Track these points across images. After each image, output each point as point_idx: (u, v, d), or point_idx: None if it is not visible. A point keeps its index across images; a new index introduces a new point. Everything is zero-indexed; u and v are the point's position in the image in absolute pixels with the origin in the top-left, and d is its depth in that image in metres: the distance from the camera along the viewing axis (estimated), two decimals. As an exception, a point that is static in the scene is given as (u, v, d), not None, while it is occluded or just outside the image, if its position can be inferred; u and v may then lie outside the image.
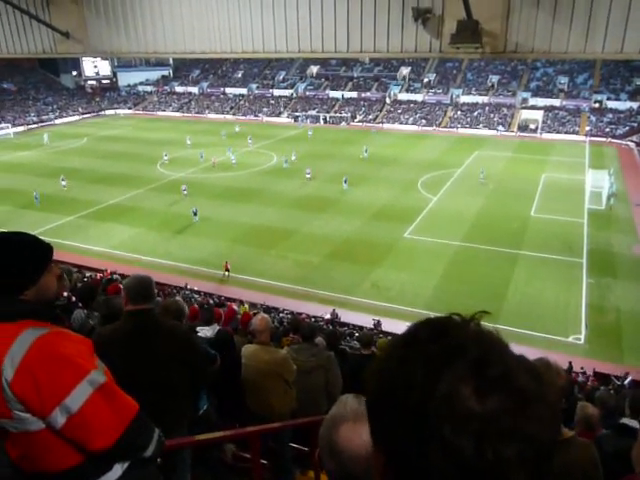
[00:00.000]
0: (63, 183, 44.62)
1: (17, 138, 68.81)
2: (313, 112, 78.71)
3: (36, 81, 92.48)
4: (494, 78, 78.41)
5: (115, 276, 22.65)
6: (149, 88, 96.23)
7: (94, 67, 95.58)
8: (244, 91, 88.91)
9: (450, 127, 70.62)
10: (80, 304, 6.32)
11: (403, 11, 10.18)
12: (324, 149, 58.02)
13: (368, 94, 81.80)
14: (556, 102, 70.91)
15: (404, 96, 79.71)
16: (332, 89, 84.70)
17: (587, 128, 65.24)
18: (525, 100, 72.68)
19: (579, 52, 9.41)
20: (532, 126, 67.47)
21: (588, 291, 27.05)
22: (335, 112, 78.67)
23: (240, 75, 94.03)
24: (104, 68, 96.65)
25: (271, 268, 29.91)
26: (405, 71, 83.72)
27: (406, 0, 10.09)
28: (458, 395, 0.73)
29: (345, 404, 1.68)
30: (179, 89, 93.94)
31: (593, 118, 66.97)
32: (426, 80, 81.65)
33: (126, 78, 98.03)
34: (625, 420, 5.00)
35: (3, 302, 2.26)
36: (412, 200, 40.90)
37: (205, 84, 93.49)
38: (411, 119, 73.98)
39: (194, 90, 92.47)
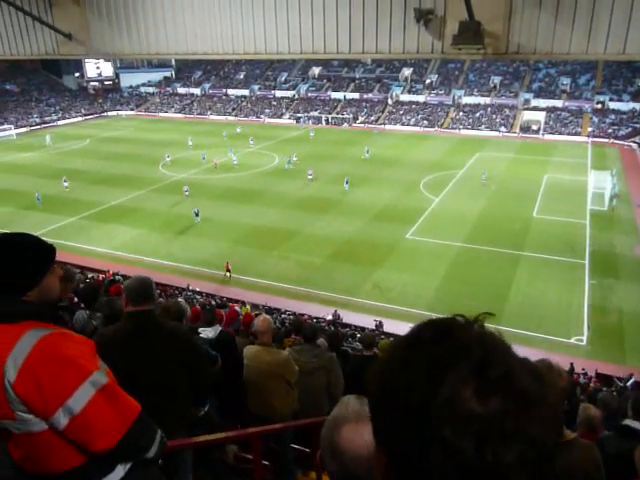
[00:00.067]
0: (65, 184, 44.67)
1: (20, 139, 68.96)
2: (315, 113, 78.73)
3: (39, 82, 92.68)
4: (496, 79, 78.37)
5: (117, 277, 22.67)
6: (151, 89, 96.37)
7: (96, 68, 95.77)
8: (246, 92, 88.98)
9: (452, 128, 70.59)
10: (82, 305, 6.32)
11: (405, 12, 10.18)
12: (326, 150, 58.03)
13: (370, 95, 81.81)
14: (558, 103, 70.85)
15: (406, 97, 79.71)
16: (334, 90, 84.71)
17: (589, 129, 65.17)
18: (527, 101, 72.62)
19: (581, 53, 9.41)
20: (534, 127, 67.40)
21: (590, 292, 27.01)
22: (337, 113, 78.68)
23: (242, 76, 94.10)
24: (106, 69, 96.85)
25: (273, 269, 29.91)
26: (407, 72, 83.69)
27: (408, 1, 10.10)
28: (460, 396, 0.73)
29: (347, 405, 1.68)
30: (181, 90, 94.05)
31: (595, 119, 66.89)
32: (428, 81, 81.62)
33: (128, 79, 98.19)
34: (627, 421, 4.98)
35: (6, 303, 2.27)
36: (414, 201, 40.88)
37: (207, 85, 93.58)
38: (413, 120, 73.97)
39: (196, 91, 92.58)
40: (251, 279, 28.93)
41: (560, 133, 65.43)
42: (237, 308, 17.40)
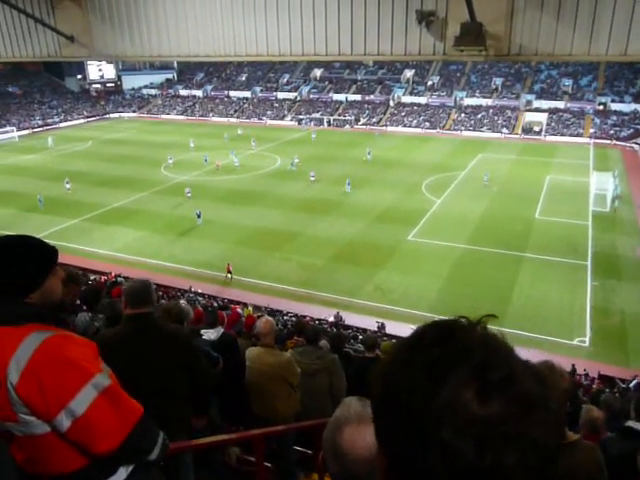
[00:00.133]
0: (67, 186, 44.72)
1: (22, 141, 69.09)
2: (317, 115, 78.76)
3: (41, 85, 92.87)
4: (498, 81, 78.34)
5: (119, 279, 22.69)
6: (153, 91, 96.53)
7: (99, 71, 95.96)
8: (248, 94, 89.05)
9: (454, 130, 70.56)
10: (84, 307, 6.33)
11: (407, 14, 10.19)
12: (328, 152, 58.04)
13: (372, 97, 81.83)
14: (560, 104, 70.79)
15: (408, 99, 79.72)
16: (336, 92, 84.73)
17: (591, 130, 65.10)
18: (529, 102, 72.57)
19: (583, 54, 9.41)
20: (536, 128, 67.35)
21: (593, 293, 26.96)
22: (339, 115, 78.69)
23: (244, 78, 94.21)
24: (109, 72, 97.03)
25: (275, 271, 29.92)
26: (409, 74, 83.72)
27: (410, 3, 10.11)
28: (460, 398, 0.73)
29: (349, 406, 1.69)
30: (183, 92, 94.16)
31: (597, 120, 66.82)
32: (430, 83, 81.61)
33: (131, 81, 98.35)
34: (630, 423, 4.97)
35: (8, 305, 2.27)
36: (416, 202, 40.87)
37: (209, 87, 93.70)
38: (415, 122, 73.97)
39: (198, 93, 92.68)
40: (253, 281, 28.93)
41: (562, 134, 65.37)
42: (239, 310, 17.40)
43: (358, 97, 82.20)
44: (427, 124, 72.80)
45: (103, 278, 23.40)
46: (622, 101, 68.69)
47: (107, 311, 5.76)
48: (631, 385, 18.05)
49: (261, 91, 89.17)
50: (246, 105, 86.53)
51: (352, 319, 24.58)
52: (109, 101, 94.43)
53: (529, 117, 69.66)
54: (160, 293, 20.83)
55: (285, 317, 23.09)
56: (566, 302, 26.20)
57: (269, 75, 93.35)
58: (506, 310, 24.56)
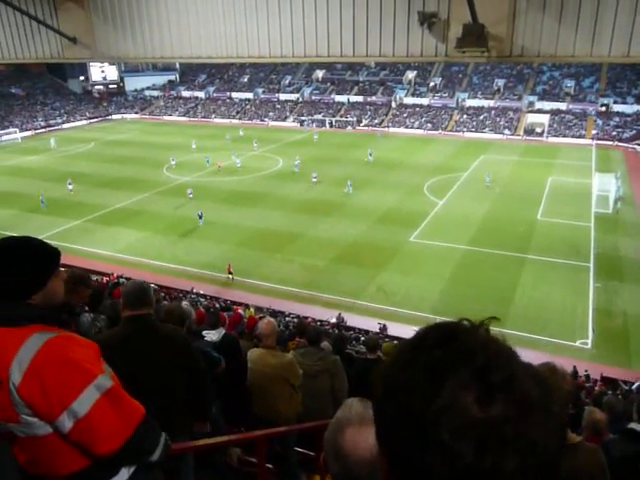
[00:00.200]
0: (70, 187, 44.76)
1: (25, 142, 69.20)
2: (319, 116, 78.79)
3: (44, 86, 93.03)
4: (500, 82, 78.29)
5: (121, 280, 22.72)
6: (156, 93, 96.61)
7: (101, 72, 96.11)
8: (250, 95, 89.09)
9: (456, 131, 70.52)
10: (86, 308, 6.33)
11: (409, 15, 10.20)
12: (330, 153, 58.07)
13: (374, 98, 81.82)
14: (562, 106, 70.73)
15: (410, 100, 79.71)
16: (338, 93, 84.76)
17: (594, 132, 65.03)
18: (531, 104, 72.52)
19: (585, 56, 9.40)
20: (538, 130, 67.31)
21: (595, 295, 26.92)
22: (341, 116, 78.73)
23: (246, 80, 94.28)
24: (111, 73, 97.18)
25: (277, 272, 29.92)
26: (411, 75, 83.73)
27: (412, 4, 10.11)
28: (460, 400, 0.73)
29: (350, 408, 1.69)
30: (185, 94, 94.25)
31: (600, 122, 66.75)
32: (432, 84, 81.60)
33: (133, 83, 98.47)
34: (633, 425, 4.97)
35: (11, 306, 2.28)
36: (418, 204, 40.85)
37: (211, 89, 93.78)
38: (417, 123, 73.95)
39: (200, 95, 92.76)
40: (255, 282, 28.95)
41: (564, 136, 65.31)
42: (240, 311, 17.41)
43: (360, 98, 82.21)
44: (429, 125, 72.79)
45: (105, 279, 23.42)
46: (624, 102, 68.61)
47: (109, 312, 5.77)
48: (634, 387, 18.00)
49: (263, 92, 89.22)
50: (248, 106, 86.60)
51: (354, 320, 24.57)
52: (111, 102, 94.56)
53: (531, 118, 69.63)
54: (162, 294, 20.84)
55: (287, 318, 23.09)
56: (568, 304, 26.16)
57: (271, 77, 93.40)
58: (508, 311, 24.54)
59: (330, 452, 1.62)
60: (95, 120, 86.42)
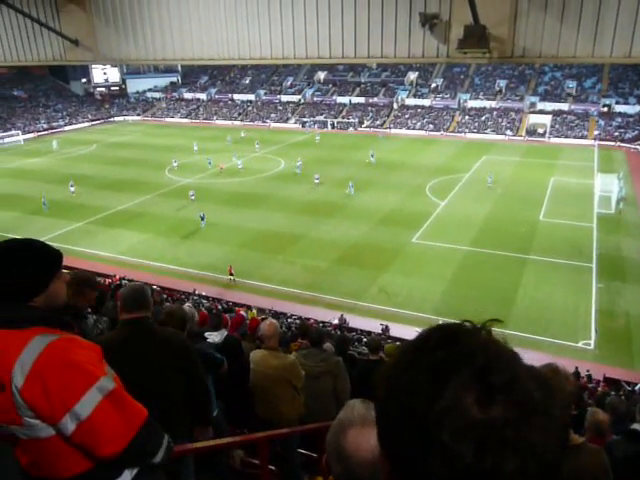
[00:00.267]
0: (72, 189, 44.84)
1: (27, 145, 69.34)
2: (321, 117, 78.84)
3: (46, 88, 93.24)
4: (502, 83, 78.29)
5: (124, 282, 22.74)
6: (158, 95, 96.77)
7: (103, 74, 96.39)
8: (252, 97, 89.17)
9: (458, 132, 70.52)
10: (89, 309, 6.34)
11: (410, 16, 10.20)
12: (332, 154, 58.08)
13: (375, 99, 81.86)
14: (564, 106, 70.68)
15: (412, 101, 79.72)
16: (339, 94, 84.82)
17: (596, 132, 64.95)
18: (533, 104, 72.49)
19: (587, 56, 9.39)
20: (540, 130, 67.27)
21: (598, 296, 26.88)
22: (343, 117, 78.76)
23: (248, 81, 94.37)
24: (113, 75, 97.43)
25: (279, 273, 29.93)
26: (412, 76, 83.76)
27: (413, 6, 10.11)
28: (460, 402, 0.73)
29: (352, 409, 1.69)
30: (187, 95, 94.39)
31: (602, 122, 66.69)
32: (434, 85, 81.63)
33: (135, 85, 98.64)
34: (636, 426, 4.96)
35: (13, 309, 2.28)
36: (420, 205, 40.84)
37: (213, 90, 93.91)
38: (419, 124, 73.94)
39: (202, 96, 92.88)
40: (257, 283, 28.95)
41: (566, 136, 65.28)
42: (243, 312, 17.42)
43: (362, 100, 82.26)
44: (431, 126, 72.78)
45: (107, 281, 23.43)
46: (626, 103, 68.55)
47: (111, 314, 5.78)
48: (637, 388, 17.97)
49: (265, 94, 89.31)
50: (250, 108, 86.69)
51: (356, 322, 24.57)
52: (113, 104, 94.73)
53: (533, 119, 69.60)
54: (164, 296, 20.85)
55: (289, 320, 23.10)
56: (571, 304, 26.12)
57: (273, 78, 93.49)
58: (510, 312, 24.51)
59: (332, 453, 1.62)
60: (97, 122, 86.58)
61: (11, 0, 13.27)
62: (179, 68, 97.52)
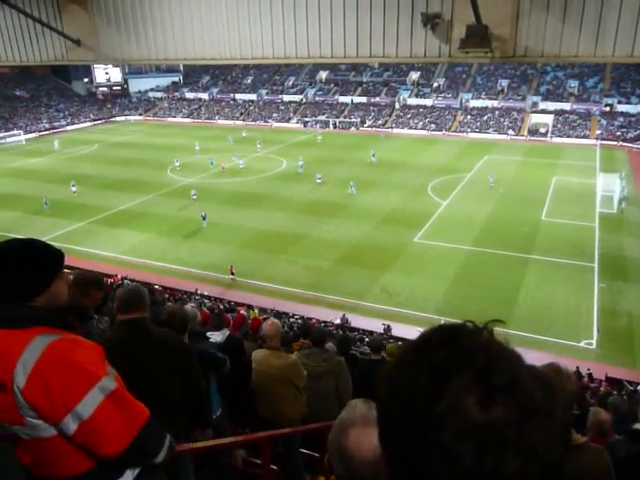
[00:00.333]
0: (73, 189, 44.88)
1: (29, 144, 69.42)
2: (323, 117, 78.83)
3: (48, 88, 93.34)
4: (504, 82, 78.22)
5: (126, 281, 22.76)
6: (159, 94, 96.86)
7: (105, 74, 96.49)
8: (254, 97, 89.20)
9: (460, 131, 70.46)
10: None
11: (412, 16, 10.18)
12: (333, 154, 58.07)
13: (377, 99, 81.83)
14: (566, 106, 70.60)
15: (413, 101, 79.68)
16: (341, 94, 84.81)
17: (598, 132, 64.88)
18: (535, 104, 72.40)
19: (589, 56, 9.37)
20: (542, 130, 67.20)
21: (600, 295, 26.84)
22: (344, 117, 78.75)
23: (250, 81, 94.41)
24: (115, 75, 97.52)
25: (281, 273, 29.92)
26: (414, 76, 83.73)
27: (415, 5, 10.10)
28: (461, 403, 0.73)
29: (354, 408, 1.68)
30: (189, 95, 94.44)
31: (604, 122, 66.60)
32: (435, 85, 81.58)
33: (137, 84, 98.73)
34: (638, 425, 4.95)
35: (14, 309, 2.28)
36: (422, 205, 40.82)
37: (215, 90, 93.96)
38: (420, 124, 73.91)
39: (204, 96, 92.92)
40: (259, 283, 28.95)
41: (568, 136, 65.20)
42: (244, 312, 17.42)
43: (364, 99, 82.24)
44: (433, 126, 72.74)
45: (109, 281, 23.46)
46: (629, 102, 68.46)
47: (112, 314, 5.77)
48: (639, 387, 17.96)
49: (267, 94, 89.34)
50: (252, 108, 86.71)
51: (358, 321, 24.56)
52: (115, 104, 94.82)
53: (535, 119, 69.53)
54: (166, 295, 20.87)
55: (291, 319, 23.10)
56: (573, 304, 26.10)
57: (275, 78, 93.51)
58: (512, 312, 24.50)
59: (334, 453, 1.62)
60: (99, 122, 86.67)
61: (13, 0, 13.28)
62: (181, 68, 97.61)
